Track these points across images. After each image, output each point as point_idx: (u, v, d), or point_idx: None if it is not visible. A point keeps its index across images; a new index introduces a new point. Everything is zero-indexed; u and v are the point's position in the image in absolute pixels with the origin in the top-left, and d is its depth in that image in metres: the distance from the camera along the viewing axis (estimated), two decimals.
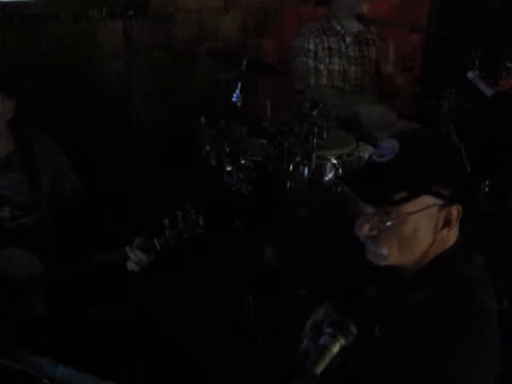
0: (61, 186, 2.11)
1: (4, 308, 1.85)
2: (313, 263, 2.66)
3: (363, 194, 1.26)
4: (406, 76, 4.25)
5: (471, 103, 3.38)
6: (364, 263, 1.37)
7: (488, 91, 3.22)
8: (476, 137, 3.24)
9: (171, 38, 3.46)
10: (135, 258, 1.82)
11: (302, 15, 3.88)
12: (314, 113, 2.63)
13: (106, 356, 1.94)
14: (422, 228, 1.21)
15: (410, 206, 1.19)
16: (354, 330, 1.23)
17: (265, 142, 2.83)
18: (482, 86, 3.23)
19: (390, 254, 1.25)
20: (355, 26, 3.19)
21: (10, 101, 1.95)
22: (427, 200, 1.19)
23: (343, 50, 3.21)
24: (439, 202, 1.19)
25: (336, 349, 1.20)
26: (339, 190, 2.79)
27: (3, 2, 2.82)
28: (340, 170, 2.77)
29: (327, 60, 3.16)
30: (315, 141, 2.62)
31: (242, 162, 2.76)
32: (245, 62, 2.81)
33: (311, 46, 3.12)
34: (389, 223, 1.22)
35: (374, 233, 1.24)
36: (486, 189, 3.01)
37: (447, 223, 1.21)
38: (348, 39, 3.20)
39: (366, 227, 1.25)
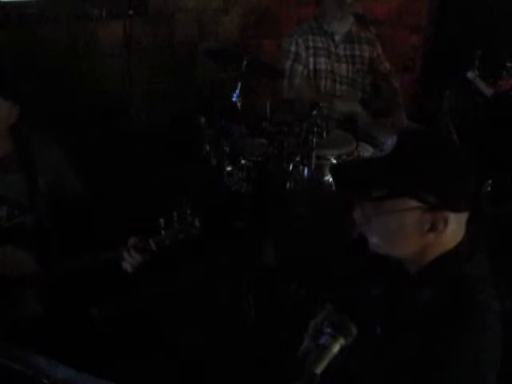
0: (60, 186, 2.11)
1: (0, 307, 1.85)
2: (313, 263, 2.66)
3: (346, 187, 1.28)
4: (406, 76, 4.26)
5: (471, 103, 3.38)
6: (366, 262, 1.37)
7: (488, 91, 3.23)
8: (476, 137, 3.24)
9: (171, 38, 3.47)
10: (130, 259, 1.82)
11: (301, 15, 3.88)
12: (314, 113, 2.63)
13: (106, 356, 1.94)
14: (407, 228, 1.20)
15: (391, 205, 1.18)
16: (354, 330, 1.23)
17: (265, 141, 2.83)
18: (481, 86, 3.23)
19: (380, 244, 1.25)
20: (345, 26, 3.19)
21: (15, 107, 1.96)
22: (409, 202, 1.17)
23: (332, 49, 3.20)
24: (422, 206, 1.17)
25: (336, 349, 1.20)
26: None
27: (3, 2, 2.82)
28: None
29: (311, 59, 3.16)
30: (315, 141, 2.62)
31: (242, 162, 2.76)
32: (245, 62, 2.81)
33: (292, 48, 3.14)
34: (373, 217, 1.22)
35: (366, 220, 1.24)
36: (488, 189, 3.02)
37: (433, 228, 1.18)
38: (337, 38, 3.20)
39: (359, 213, 1.25)
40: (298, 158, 2.68)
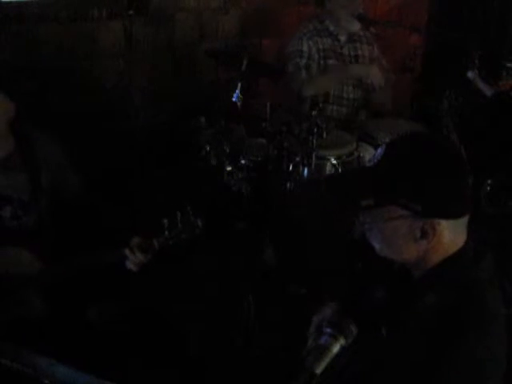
0: (61, 185, 2.11)
1: (2, 306, 1.85)
2: (313, 263, 2.66)
3: (335, 198, 1.30)
4: (406, 76, 4.26)
5: (471, 103, 3.38)
6: (370, 264, 1.37)
7: (488, 91, 3.23)
8: (476, 137, 3.24)
9: (171, 38, 3.46)
10: (134, 259, 1.83)
11: (302, 15, 3.87)
12: (314, 113, 2.63)
13: (106, 356, 1.94)
14: (400, 235, 1.21)
15: (380, 213, 1.20)
16: (354, 330, 1.23)
17: (265, 141, 2.83)
18: (481, 85, 3.23)
19: (380, 248, 1.26)
20: (352, 26, 3.18)
21: (11, 102, 1.96)
22: (397, 210, 1.18)
23: (338, 49, 3.19)
24: (409, 214, 1.17)
25: (336, 349, 1.20)
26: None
27: (3, 2, 2.82)
28: (340, 170, 2.77)
29: (322, 62, 3.14)
30: (315, 141, 2.62)
31: (242, 162, 2.76)
32: (245, 62, 2.81)
33: (305, 48, 3.10)
34: (366, 224, 1.24)
35: (368, 227, 1.26)
36: (488, 188, 3.02)
37: (424, 235, 1.19)
38: (342, 38, 3.19)
39: (360, 218, 1.27)
40: (298, 158, 2.68)
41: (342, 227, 2.81)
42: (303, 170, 2.70)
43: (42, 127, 2.17)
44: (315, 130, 2.61)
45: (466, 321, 1.16)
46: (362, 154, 2.91)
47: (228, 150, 2.78)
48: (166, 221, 1.81)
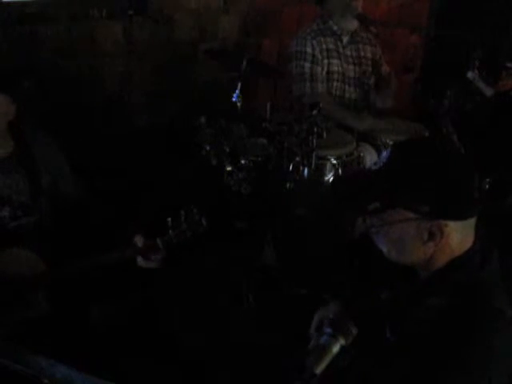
0: (61, 186, 2.11)
1: (7, 308, 1.85)
2: (313, 263, 2.66)
3: (342, 202, 1.30)
4: (406, 76, 4.26)
5: (471, 103, 3.38)
6: (376, 265, 1.37)
7: (488, 91, 3.23)
8: (476, 137, 3.24)
9: (171, 38, 3.46)
10: (145, 265, 1.84)
11: (302, 15, 3.87)
12: (314, 113, 2.63)
13: (107, 356, 1.94)
14: (408, 238, 1.21)
15: (388, 216, 1.20)
16: (354, 330, 1.23)
17: (265, 141, 2.83)
18: (481, 86, 3.23)
19: (388, 251, 1.26)
20: (353, 25, 3.17)
21: (13, 105, 1.96)
22: (405, 213, 1.18)
23: (341, 50, 3.17)
24: (417, 216, 1.18)
25: (336, 349, 1.20)
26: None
27: (3, 2, 2.82)
28: (340, 170, 2.77)
29: (326, 61, 3.12)
30: (315, 141, 2.62)
31: (242, 162, 2.76)
32: (245, 62, 2.81)
33: (308, 49, 3.07)
34: (373, 228, 1.24)
35: (373, 230, 1.25)
36: (487, 187, 3.01)
37: (432, 237, 1.19)
38: (345, 39, 3.18)
39: (362, 224, 1.27)
40: (298, 158, 2.68)
41: (342, 227, 2.82)
42: (303, 170, 2.70)
43: (42, 128, 2.17)
44: (315, 129, 2.61)
45: (473, 323, 1.15)
46: (362, 154, 2.91)
47: (228, 150, 2.78)
48: (170, 220, 1.81)
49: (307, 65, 3.07)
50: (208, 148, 2.84)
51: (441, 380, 1.14)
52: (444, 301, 1.20)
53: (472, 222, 1.23)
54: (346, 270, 2.70)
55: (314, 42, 3.08)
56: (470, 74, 3.23)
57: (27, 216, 2.02)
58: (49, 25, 2.96)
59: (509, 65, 3.30)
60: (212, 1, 3.59)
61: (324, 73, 3.12)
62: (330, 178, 2.78)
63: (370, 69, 3.27)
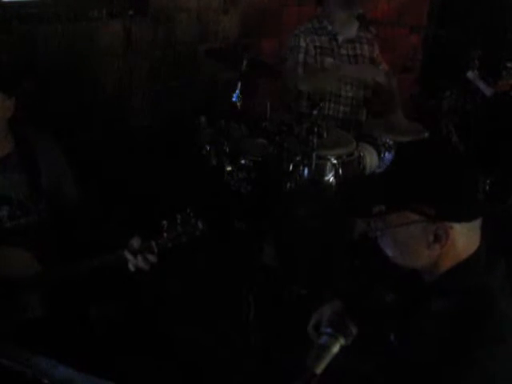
0: (61, 186, 2.11)
1: (2, 308, 1.84)
2: (313, 263, 2.66)
3: (347, 206, 1.30)
4: (406, 76, 4.26)
5: (471, 103, 3.38)
6: (380, 268, 1.36)
7: (488, 91, 3.23)
8: (476, 137, 3.24)
9: (171, 38, 3.46)
10: (135, 263, 1.82)
11: (302, 15, 3.87)
12: (314, 112, 2.63)
13: (106, 356, 1.94)
14: (413, 240, 1.20)
15: (393, 219, 1.20)
16: (353, 330, 1.24)
17: (265, 141, 2.83)
18: (481, 86, 3.23)
19: (393, 254, 1.25)
20: (350, 28, 3.17)
21: (9, 100, 1.95)
22: (411, 216, 1.18)
23: (335, 49, 3.19)
24: (422, 219, 1.17)
25: (336, 349, 1.20)
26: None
27: (3, 2, 2.82)
28: (340, 170, 2.77)
29: (318, 58, 3.14)
30: (315, 141, 2.62)
31: (242, 162, 2.76)
32: (245, 62, 2.81)
33: (302, 43, 3.10)
34: (378, 231, 1.24)
35: (374, 234, 1.25)
36: (487, 188, 3.02)
37: (438, 240, 1.18)
38: (340, 38, 3.19)
39: (362, 227, 1.27)
40: (298, 158, 2.68)
41: (342, 227, 2.82)
42: (303, 170, 2.70)
43: (42, 128, 2.17)
44: (315, 129, 2.61)
45: (478, 327, 1.15)
46: (362, 154, 2.91)
47: (228, 150, 2.78)
48: (165, 223, 1.80)
49: (301, 55, 3.10)
50: (208, 148, 2.83)
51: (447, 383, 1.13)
52: (449, 305, 1.19)
53: (477, 224, 1.22)
54: (346, 270, 2.70)
55: (308, 39, 3.11)
56: (469, 74, 3.23)
57: (26, 216, 2.02)
58: (49, 25, 2.96)
59: (509, 65, 3.30)
60: (212, 1, 3.59)
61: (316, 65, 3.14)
62: (330, 177, 2.78)
63: None
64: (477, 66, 3.22)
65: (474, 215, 1.21)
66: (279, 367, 2.00)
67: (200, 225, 1.81)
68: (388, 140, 3.02)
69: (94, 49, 3.17)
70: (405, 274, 1.31)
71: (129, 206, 2.83)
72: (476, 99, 3.34)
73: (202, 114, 2.88)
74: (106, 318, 2.12)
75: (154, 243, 1.81)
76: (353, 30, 3.17)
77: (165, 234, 1.80)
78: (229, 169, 2.78)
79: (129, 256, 1.81)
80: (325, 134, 2.67)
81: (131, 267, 1.83)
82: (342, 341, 1.21)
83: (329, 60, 3.16)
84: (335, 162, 2.76)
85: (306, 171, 2.69)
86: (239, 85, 2.80)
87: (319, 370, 1.16)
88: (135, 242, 1.82)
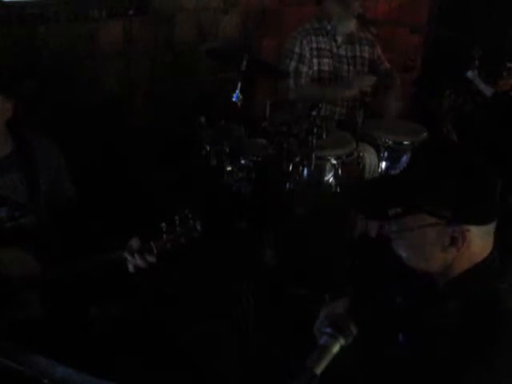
0: (59, 187, 2.11)
1: (2, 308, 1.84)
2: (313, 263, 2.66)
3: (362, 208, 1.28)
4: (406, 76, 4.26)
5: (471, 103, 3.38)
6: (392, 270, 1.36)
7: (488, 91, 3.23)
8: (476, 137, 3.24)
9: (171, 38, 3.46)
10: (133, 263, 1.82)
11: (301, 15, 3.87)
12: (314, 113, 2.63)
13: (106, 356, 1.94)
14: (429, 243, 1.19)
15: (409, 221, 1.18)
16: (354, 330, 1.23)
17: (264, 142, 2.83)
18: (481, 86, 3.23)
19: (407, 257, 1.24)
20: (349, 27, 3.17)
21: (9, 101, 1.95)
22: (427, 218, 1.17)
23: (334, 49, 3.18)
24: (439, 221, 1.16)
25: (336, 349, 1.20)
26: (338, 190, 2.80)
27: (3, 2, 2.82)
28: (339, 171, 2.77)
29: (315, 60, 3.14)
30: (314, 141, 2.62)
31: (242, 162, 2.76)
32: (245, 62, 2.81)
33: (297, 49, 3.10)
34: (393, 234, 1.23)
35: (395, 236, 1.24)
36: None
37: (454, 243, 1.17)
38: (339, 39, 3.18)
39: (374, 230, 1.27)
40: (297, 159, 2.68)
41: (342, 227, 2.82)
42: (303, 170, 2.70)
43: (41, 128, 2.17)
44: (314, 130, 2.61)
45: (490, 331, 1.14)
46: (361, 154, 2.91)
47: (228, 150, 2.78)
48: (164, 224, 1.80)
49: (293, 63, 3.11)
50: (208, 148, 2.84)
51: None
52: (461, 308, 1.18)
53: (492, 227, 1.21)
54: (346, 270, 2.70)
55: (304, 41, 3.11)
56: (469, 74, 3.23)
57: (25, 217, 2.02)
58: (49, 25, 2.96)
59: (509, 65, 3.30)
60: (212, 1, 3.59)
61: (310, 72, 3.13)
62: (329, 178, 2.78)
63: (366, 69, 3.28)
64: (477, 66, 3.22)
65: (491, 218, 1.20)
66: (279, 367, 1.99)
67: (198, 226, 1.81)
68: (388, 140, 3.02)
69: (94, 49, 3.17)
70: (417, 276, 1.29)
71: (128, 206, 2.83)
72: (476, 99, 3.33)
73: (202, 114, 2.88)
74: (106, 317, 2.12)
75: (153, 244, 1.81)
76: (350, 27, 3.17)
77: (164, 236, 1.80)
78: (229, 169, 2.78)
79: (128, 257, 1.81)
80: (324, 135, 2.67)
81: (131, 268, 1.83)
82: (342, 341, 1.21)
83: (327, 61, 3.16)
84: (335, 162, 2.76)
85: (305, 171, 2.69)
86: (239, 85, 2.80)
87: (319, 370, 1.16)
88: (134, 243, 1.82)
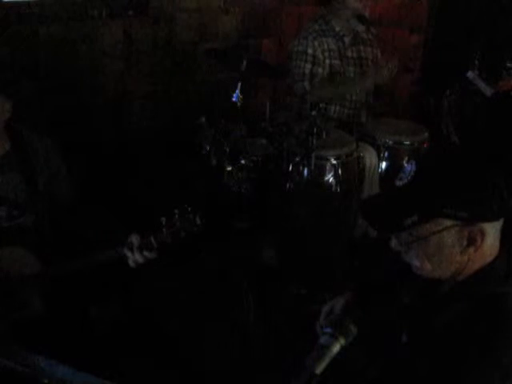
0: (57, 186, 2.11)
1: (1, 307, 1.85)
2: (313, 263, 2.66)
3: (375, 222, 1.28)
4: (406, 76, 4.26)
5: (471, 103, 3.38)
6: (400, 271, 1.35)
7: (488, 91, 3.23)
8: (476, 137, 3.24)
9: (171, 38, 3.46)
10: (133, 258, 1.82)
11: (302, 15, 3.87)
12: (314, 113, 2.63)
13: (106, 355, 1.94)
14: (446, 246, 1.19)
15: (425, 228, 1.19)
16: (354, 330, 1.23)
17: (265, 141, 2.83)
18: (481, 86, 3.23)
19: (422, 266, 1.24)
20: (355, 26, 3.17)
21: (8, 102, 1.95)
22: (442, 222, 1.17)
23: (342, 51, 3.17)
24: (456, 223, 1.17)
25: (336, 349, 1.20)
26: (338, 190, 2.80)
27: (3, 2, 2.82)
28: (339, 170, 2.77)
29: (328, 62, 3.11)
30: (315, 141, 2.62)
31: (242, 162, 2.76)
32: (245, 62, 2.81)
33: (310, 50, 3.06)
34: (405, 246, 1.23)
35: (404, 248, 1.24)
36: None
37: (472, 242, 1.18)
38: (347, 40, 3.17)
39: (394, 242, 1.26)
40: (297, 159, 2.69)
41: (342, 227, 2.82)
42: (303, 170, 2.70)
43: (41, 128, 2.17)
44: (315, 130, 2.61)
45: (497, 336, 1.14)
46: (361, 154, 2.91)
47: (228, 150, 2.78)
48: (163, 218, 1.80)
49: (308, 66, 3.06)
50: (208, 148, 2.84)
51: None
52: (466, 310, 1.18)
53: (500, 224, 1.22)
54: (346, 270, 2.70)
55: (316, 42, 3.06)
56: (469, 74, 3.24)
57: (24, 216, 2.02)
58: (49, 25, 2.96)
59: (509, 65, 3.30)
60: (212, 1, 3.59)
61: (325, 73, 3.11)
62: (329, 178, 2.78)
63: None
64: (477, 66, 3.22)
65: (502, 213, 1.21)
66: (279, 367, 1.99)
67: (198, 220, 1.81)
68: (388, 140, 3.02)
69: (94, 49, 3.17)
70: (425, 279, 1.29)
71: (128, 206, 2.83)
72: (476, 99, 3.34)
73: (202, 114, 2.88)
74: (106, 317, 2.12)
75: (153, 239, 1.81)
76: (359, 28, 3.16)
77: (164, 230, 1.80)
78: (229, 169, 2.78)
79: (128, 253, 1.81)
80: (324, 135, 2.67)
81: (131, 263, 1.84)
82: (342, 341, 1.21)
83: (337, 63, 3.14)
84: (335, 162, 2.76)
85: (305, 171, 2.69)
86: (239, 85, 2.79)
87: (319, 370, 1.16)
88: (134, 239, 1.82)
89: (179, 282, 2.67)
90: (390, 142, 3.01)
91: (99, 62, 3.22)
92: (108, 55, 3.24)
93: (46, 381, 1.14)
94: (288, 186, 2.73)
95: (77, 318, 1.99)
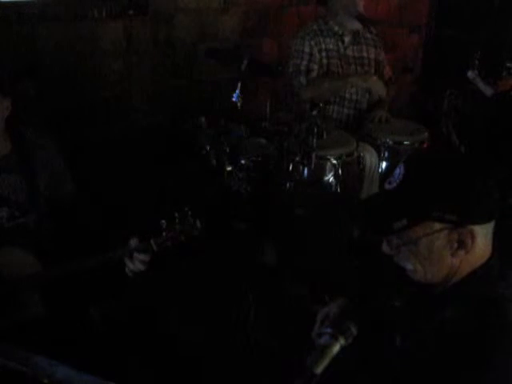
0: (58, 187, 2.11)
1: (2, 307, 1.85)
2: (313, 263, 2.66)
3: (365, 225, 1.28)
4: (406, 76, 4.26)
5: (471, 103, 3.38)
6: (391, 274, 1.35)
7: (488, 91, 3.23)
8: (476, 137, 3.24)
9: (171, 38, 3.46)
10: (132, 267, 1.82)
11: (302, 15, 3.87)
12: (314, 113, 2.63)
13: (106, 355, 1.94)
14: (436, 249, 1.19)
15: (415, 231, 1.18)
16: (354, 330, 1.23)
17: (265, 142, 2.83)
18: (481, 86, 3.23)
19: (415, 269, 1.24)
20: (355, 26, 3.17)
21: (6, 99, 1.95)
22: (432, 225, 1.17)
23: (342, 50, 3.18)
24: (445, 226, 1.17)
25: (336, 349, 1.20)
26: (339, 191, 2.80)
27: (3, 2, 2.82)
28: (340, 170, 2.77)
29: (325, 61, 3.13)
30: (315, 141, 2.62)
31: (242, 161, 2.76)
32: (245, 62, 2.81)
33: (306, 49, 3.10)
34: (396, 250, 1.23)
35: (395, 251, 1.24)
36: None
37: (462, 245, 1.18)
38: (346, 39, 3.18)
39: (385, 247, 1.26)
40: (297, 158, 2.68)
41: (342, 227, 2.81)
42: (303, 170, 2.70)
43: (41, 128, 2.17)
44: (315, 129, 2.61)
45: (486, 338, 1.14)
46: (361, 154, 2.91)
47: (228, 150, 2.78)
48: (163, 222, 1.80)
49: (304, 63, 3.11)
50: (208, 148, 2.84)
51: None
52: (459, 313, 1.18)
53: (491, 226, 1.22)
54: (346, 270, 2.70)
55: (312, 42, 3.11)
56: (469, 74, 3.23)
57: (25, 216, 2.02)
58: (49, 25, 2.96)
59: (509, 65, 3.30)
60: (212, 1, 3.59)
61: (321, 71, 3.13)
62: (329, 178, 2.78)
63: (372, 70, 3.27)
64: (477, 66, 3.22)
65: (494, 215, 1.20)
66: (279, 367, 1.99)
67: (198, 224, 1.81)
68: (388, 140, 3.02)
69: (94, 49, 3.17)
70: (417, 282, 1.29)
71: (128, 206, 2.83)
72: (476, 99, 3.34)
73: (202, 114, 2.88)
74: (106, 317, 2.12)
75: (153, 242, 1.81)
76: (357, 27, 3.17)
77: (164, 233, 1.80)
78: (229, 169, 2.78)
79: (127, 261, 1.81)
80: (324, 134, 2.67)
81: (128, 272, 1.83)
82: (342, 341, 1.21)
83: (335, 62, 3.15)
84: (335, 161, 2.76)
85: (305, 171, 2.69)
86: (239, 85, 2.79)
87: (319, 370, 1.16)
88: (133, 243, 1.82)
89: (179, 281, 2.67)
90: (390, 142, 3.01)
91: (99, 62, 3.22)
92: (108, 55, 3.24)
93: (45, 381, 1.14)
94: (288, 185, 2.73)
95: (77, 318, 1.99)
